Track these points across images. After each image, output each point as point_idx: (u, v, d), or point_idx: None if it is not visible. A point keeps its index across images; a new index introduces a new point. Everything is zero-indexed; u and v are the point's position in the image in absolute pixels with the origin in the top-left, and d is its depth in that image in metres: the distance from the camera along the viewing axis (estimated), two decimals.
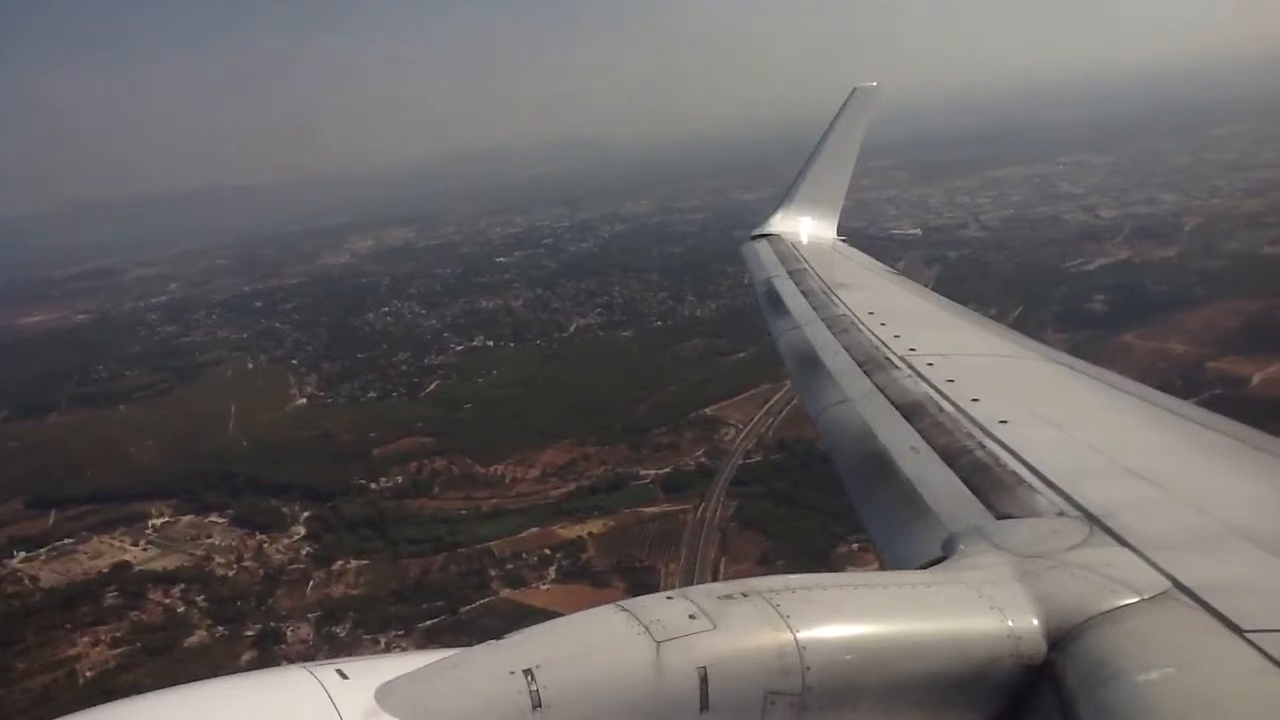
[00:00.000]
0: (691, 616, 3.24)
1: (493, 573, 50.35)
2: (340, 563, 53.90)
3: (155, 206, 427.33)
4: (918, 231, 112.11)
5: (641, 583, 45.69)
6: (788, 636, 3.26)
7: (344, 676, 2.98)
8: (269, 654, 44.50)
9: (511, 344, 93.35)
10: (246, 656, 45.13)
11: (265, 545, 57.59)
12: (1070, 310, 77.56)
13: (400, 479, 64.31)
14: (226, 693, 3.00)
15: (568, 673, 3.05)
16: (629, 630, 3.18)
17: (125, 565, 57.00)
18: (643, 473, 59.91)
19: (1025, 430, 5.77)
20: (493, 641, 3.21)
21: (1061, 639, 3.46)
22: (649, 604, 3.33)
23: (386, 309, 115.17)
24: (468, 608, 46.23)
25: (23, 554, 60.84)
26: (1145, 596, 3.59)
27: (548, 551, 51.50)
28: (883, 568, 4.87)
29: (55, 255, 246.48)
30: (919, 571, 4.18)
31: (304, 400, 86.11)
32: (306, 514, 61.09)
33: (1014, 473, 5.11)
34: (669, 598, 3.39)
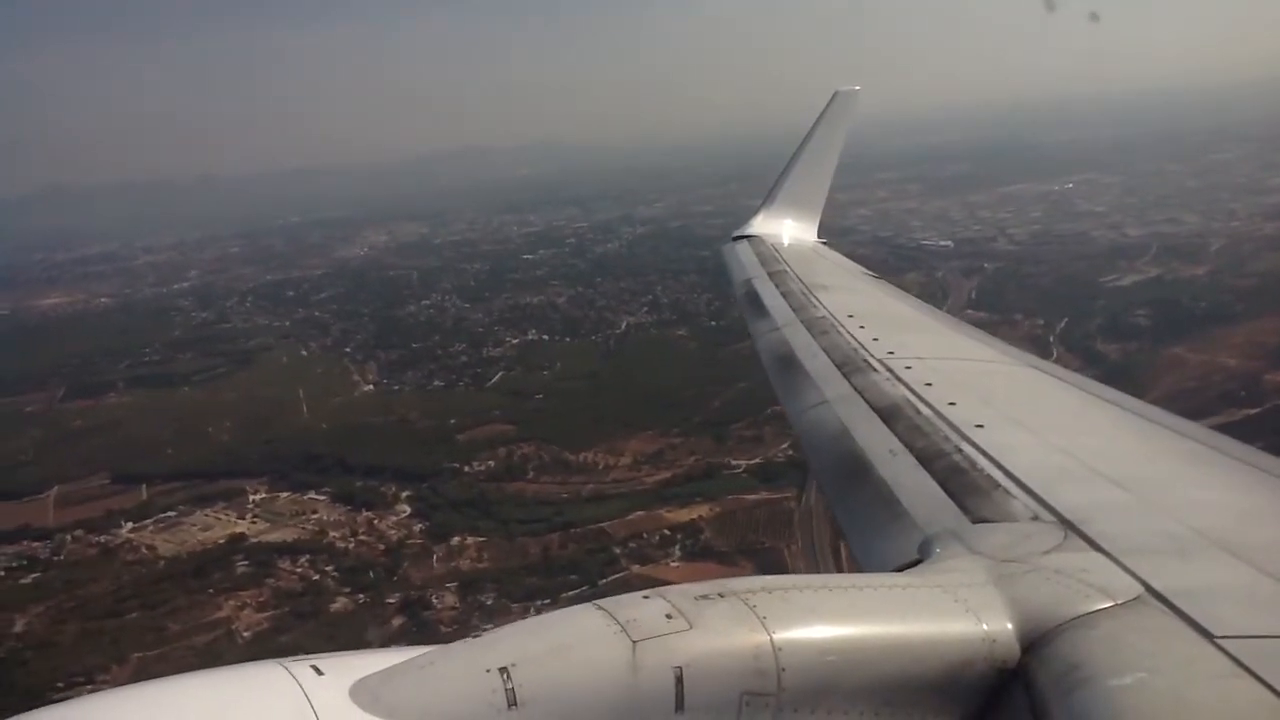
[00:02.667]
0: (668, 616, 3.27)
1: (616, 550, 53.30)
2: (457, 539, 56.46)
3: (134, 194, 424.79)
4: (949, 243, 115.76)
5: (769, 562, 48.83)
6: (764, 637, 3.29)
7: (319, 672, 3.02)
8: (419, 620, 47.23)
9: (567, 339, 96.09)
10: (396, 621, 47.79)
11: (375, 522, 60.03)
12: (1114, 323, 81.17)
13: (492, 463, 66.89)
14: (200, 687, 3.02)
15: (543, 671, 3.08)
16: (605, 629, 3.20)
17: (241, 537, 59.31)
18: (733, 463, 62.90)
19: (1001, 434, 5.94)
20: (468, 639, 3.27)
21: (1035, 642, 3.51)
22: (626, 603, 3.36)
23: (428, 301, 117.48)
24: (604, 581, 48.98)
25: (130, 525, 63.03)
26: (1118, 601, 3.66)
27: (666, 532, 54.41)
28: (858, 570, 4.93)
29: (48, 239, 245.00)
30: (895, 574, 4.25)
31: (370, 387, 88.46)
32: (405, 493, 63.60)
33: (990, 477, 5.23)
34: (645, 597, 3.41)
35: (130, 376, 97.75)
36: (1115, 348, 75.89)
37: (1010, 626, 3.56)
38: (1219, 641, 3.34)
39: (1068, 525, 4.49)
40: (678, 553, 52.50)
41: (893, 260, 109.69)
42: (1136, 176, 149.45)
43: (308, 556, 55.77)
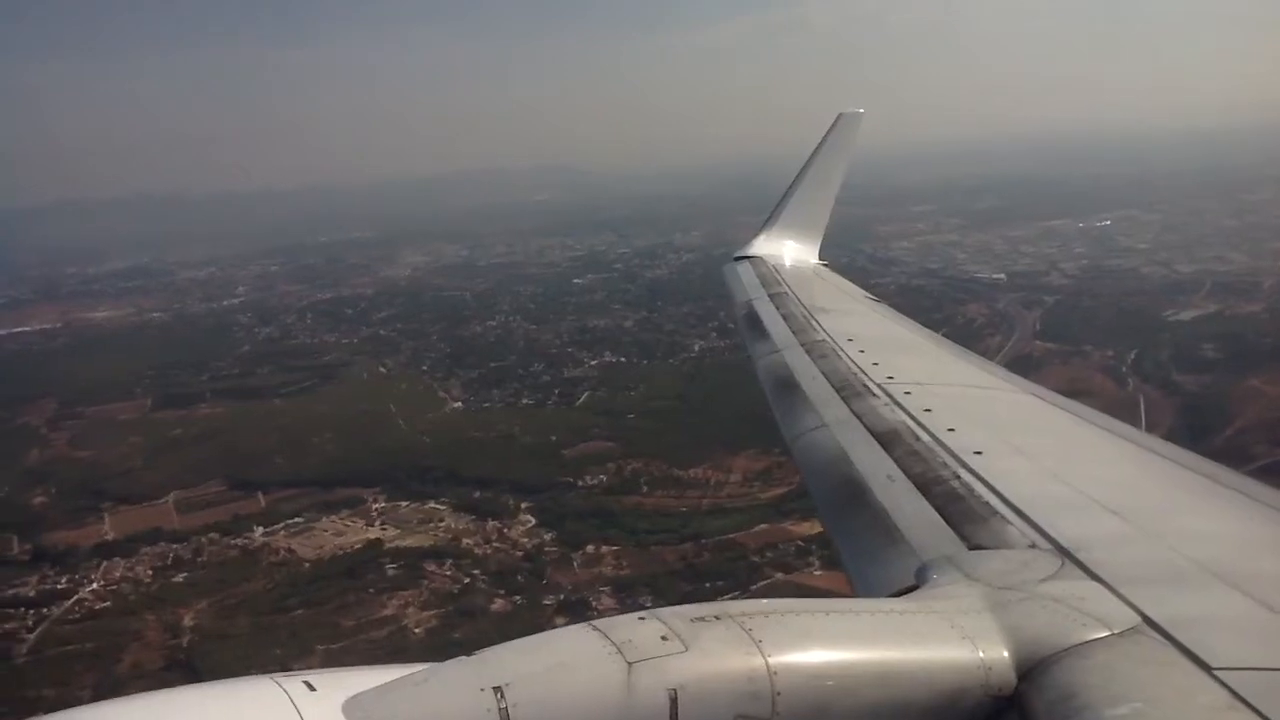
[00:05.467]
0: (664, 638, 3.33)
1: (755, 560, 56.00)
2: (591, 547, 58.91)
3: (146, 208, 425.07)
4: (1003, 276, 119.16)
5: None
6: (759, 661, 3.34)
7: (311, 688, 3.07)
8: (585, 619, 49.44)
9: (644, 362, 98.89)
10: (559, 621, 50.18)
11: (504, 530, 62.56)
12: (1183, 355, 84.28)
13: (603, 477, 69.51)
14: (190, 702, 3.06)
15: (538, 691, 3.13)
16: (601, 650, 3.27)
17: (377, 542, 61.68)
18: None
19: (1000, 461, 6.02)
20: (462, 657, 3.31)
21: (1031, 671, 3.55)
22: (622, 624, 3.44)
23: (492, 322, 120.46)
24: (755, 586, 51.66)
25: (261, 529, 65.42)
26: (1115, 631, 3.70)
27: (799, 543, 57.01)
28: (855, 595, 4.96)
29: (69, 252, 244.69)
30: (891, 599, 4.27)
31: (459, 404, 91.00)
32: (525, 504, 66.00)
33: (987, 504, 5.31)
34: (641, 618, 3.51)
35: (215, 389, 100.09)
36: (1190, 379, 78.86)
37: (1006, 654, 3.63)
38: (1216, 673, 3.37)
39: (1065, 554, 4.57)
40: (816, 563, 55.11)
41: (950, 292, 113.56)
42: (1174, 214, 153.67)
43: (451, 561, 58.34)
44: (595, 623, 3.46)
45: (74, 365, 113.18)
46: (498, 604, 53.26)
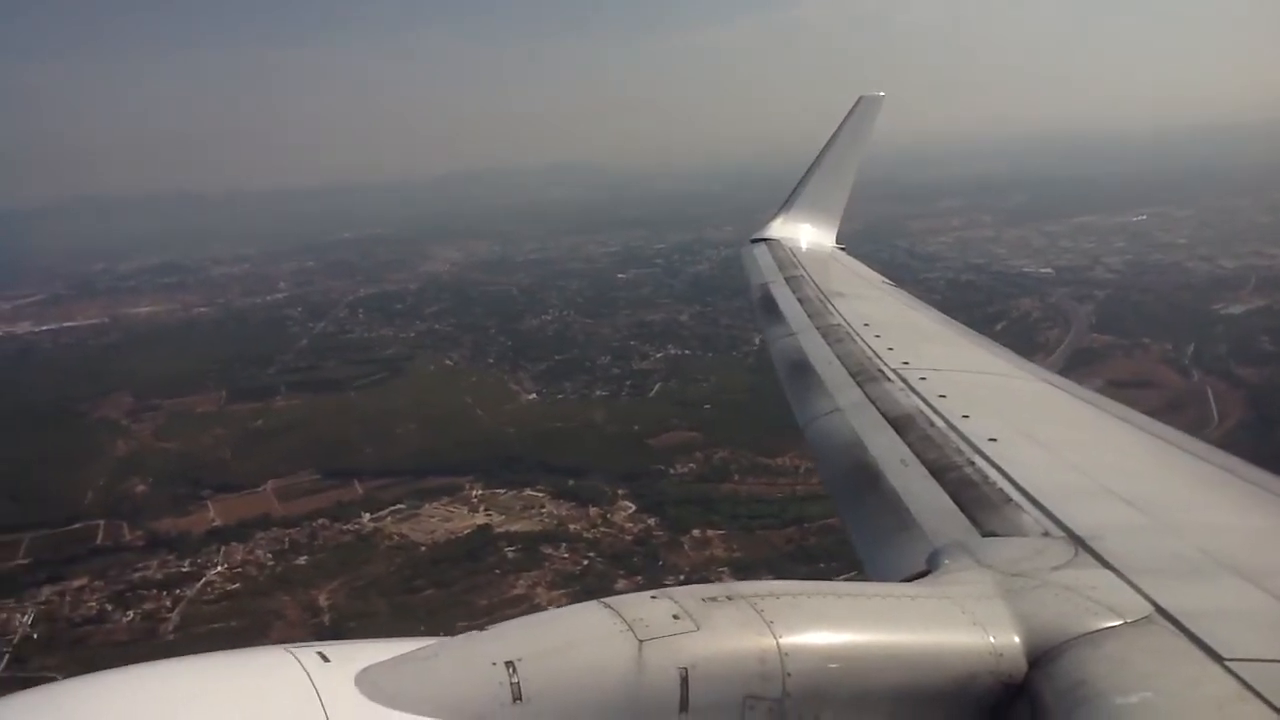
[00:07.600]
0: (675, 617, 3.37)
1: None
2: (697, 531, 61.17)
3: (162, 206, 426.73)
4: (1050, 271, 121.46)
5: None
6: (770, 642, 3.37)
7: (325, 659, 3.11)
8: None
9: (709, 354, 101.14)
10: None
11: (607, 515, 64.65)
12: (1241, 348, 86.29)
13: (693, 465, 71.65)
14: (205, 670, 3.09)
15: (549, 667, 3.17)
16: (612, 628, 3.31)
17: (486, 527, 63.72)
18: None
19: (1014, 449, 6.02)
20: (475, 632, 3.38)
21: (1042, 658, 3.57)
22: (633, 602, 3.48)
23: (548, 316, 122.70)
24: None
25: (368, 515, 67.42)
26: (1127, 620, 3.71)
27: None
28: (866, 579, 4.95)
29: (93, 250, 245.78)
30: (903, 584, 4.34)
31: (534, 395, 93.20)
32: (621, 491, 68.04)
33: (1001, 491, 5.32)
34: (653, 597, 3.53)
35: (287, 382, 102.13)
36: (1252, 371, 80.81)
37: (1017, 640, 3.64)
38: (1228, 664, 3.37)
39: (1078, 542, 4.57)
40: None
41: (1000, 287, 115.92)
42: (1206, 211, 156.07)
43: (565, 544, 60.55)
44: (607, 600, 3.52)
45: (136, 360, 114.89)
46: (621, 584, 55.27)
